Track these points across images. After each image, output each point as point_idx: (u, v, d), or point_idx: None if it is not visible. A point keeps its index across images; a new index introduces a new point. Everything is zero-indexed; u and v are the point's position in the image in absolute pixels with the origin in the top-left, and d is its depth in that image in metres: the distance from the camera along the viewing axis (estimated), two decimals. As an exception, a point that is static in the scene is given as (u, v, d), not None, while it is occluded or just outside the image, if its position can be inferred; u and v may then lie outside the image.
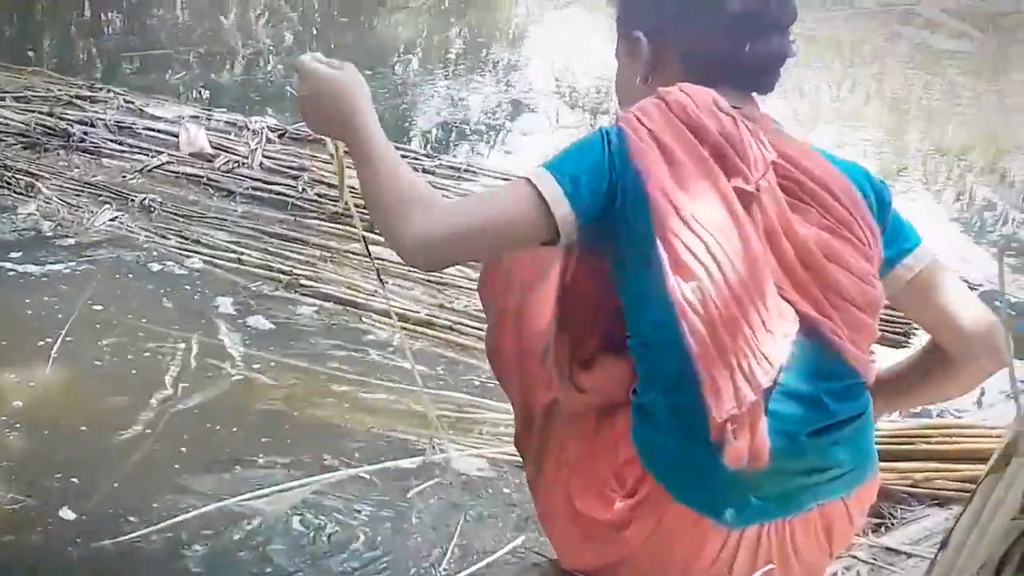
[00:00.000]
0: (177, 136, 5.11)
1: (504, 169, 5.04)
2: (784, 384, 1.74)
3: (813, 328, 1.77)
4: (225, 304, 3.73)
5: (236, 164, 4.87)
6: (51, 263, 3.92)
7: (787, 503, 1.82)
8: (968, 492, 1.67)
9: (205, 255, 4.05)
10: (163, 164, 4.88)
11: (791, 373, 1.74)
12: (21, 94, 5.56)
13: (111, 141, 5.08)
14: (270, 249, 4.14)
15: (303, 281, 3.89)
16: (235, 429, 3.05)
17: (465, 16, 8.80)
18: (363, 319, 3.70)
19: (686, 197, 1.70)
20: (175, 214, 4.40)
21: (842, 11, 9.08)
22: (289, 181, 4.70)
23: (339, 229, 4.34)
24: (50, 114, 5.27)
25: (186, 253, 4.05)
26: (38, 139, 5.03)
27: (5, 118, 5.22)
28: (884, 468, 2.09)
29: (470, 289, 3.70)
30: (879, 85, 7.35)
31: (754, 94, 1.89)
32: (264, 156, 4.94)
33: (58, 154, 4.95)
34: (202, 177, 4.77)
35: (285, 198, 4.57)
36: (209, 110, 5.64)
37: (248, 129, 5.21)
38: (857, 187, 1.86)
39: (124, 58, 6.82)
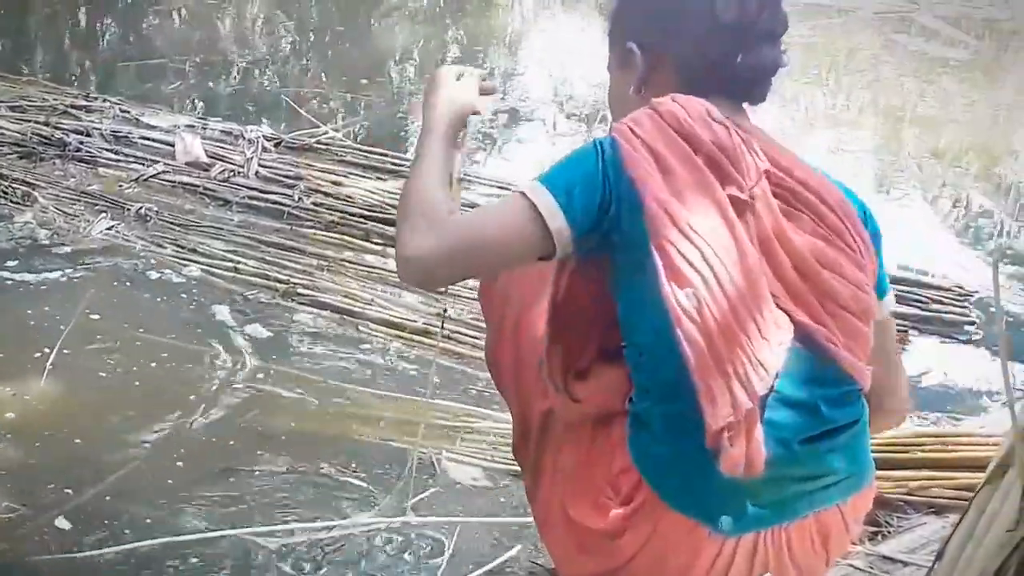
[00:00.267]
0: (173, 145, 5.11)
1: (500, 177, 5.04)
2: (779, 391, 1.74)
3: (808, 335, 1.77)
4: (222, 313, 3.73)
5: (232, 173, 4.87)
6: (47, 272, 3.92)
7: (783, 510, 1.82)
8: (964, 500, 1.68)
9: (202, 264, 4.05)
10: (159, 173, 4.88)
11: (787, 380, 1.74)
12: (17, 104, 5.55)
13: (107, 150, 5.08)
14: (267, 258, 4.14)
15: (300, 290, 3.89)
16: (231, 438, 3.04)
17: (461, 22, 8.81)
18: (359, 328, 3.70)
19: (681, 205, 1.70)
20: (171, 223, 4.39)
21: (838, 19, 9.09)
22: (285, 190, 4.70)
23: (335, 238, 4.34)
24: (46, 124, 5.26)
25: (183, 262, 4.05)
26: (34, 148, 5.03)
27: (1, 128, 5.21)
28: (880, 476, 2.09)
29: (467, 298, 3.70)
30: (874, 92, 7.36)
31: (745, 105, 1.90)
32: (260, 165, 4.94)
33: (54, 163, 4.95)
34: (198, 186, 4.76)
35: (281, 207, 4.57)
36: (205, 119, 5.64)
37: (244, 138, 5.21)
38: (850, 200, 1.87)
39: (120, 68, 6.81)
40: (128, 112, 5.58)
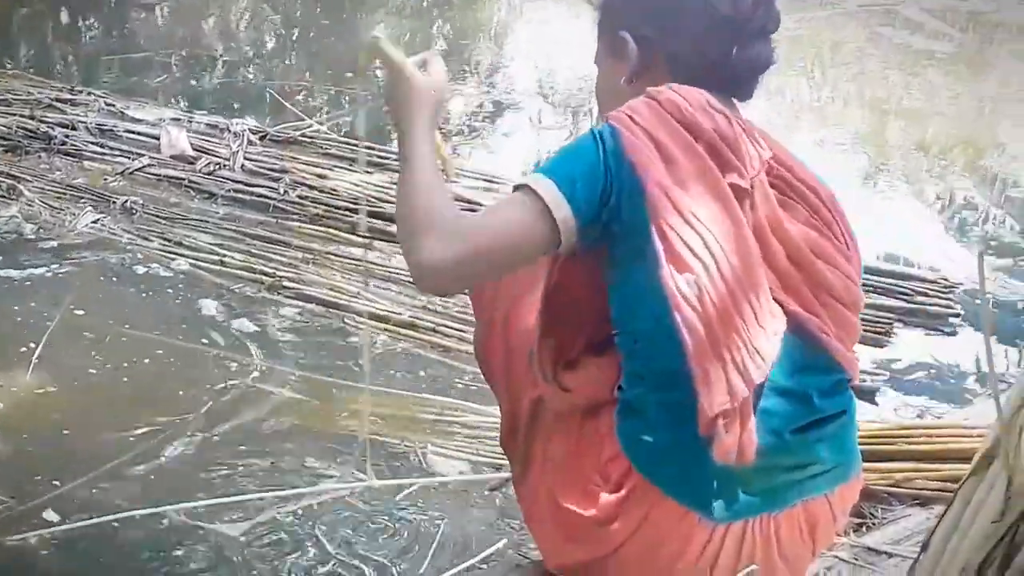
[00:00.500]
0: (158, 139, 5.10)
1: (485, 170, 5.03)
2: (772, 379, 1.75)
3: (800, 325, 1.78)
4: (209, 307, 3.72)
5: (217, 166, 4.86)
6: (33, 266, 3.91)
7: (773, 499, 1.83)
8: (949, 492, 1.68)
9: (187, 256, 4.04)
10: (144, 167, 4.86)
11: (778, 369, 1.76)
12: (2, 97, 5.52)
13: (92, 144, 5.07)
14: (252, 251, 4.13)
15: (285, 283, 3.88)
16: (216, 433, 3.04)
17: (447, 15, 8.79)
18: (345, 320, 3.69)
19: (682, 192, 1.70)
20: (157, 216, 4.38)
21: (823, 12, 9.09)
22: (270, 183, 4.69)
23: (321, 231, 4.34)
24: (31, 117, 5.25)
25: (169, 255, 4.04)
26: (19, 142, 5.01)
27: (-14, 121, 5.20)
28: (866, 468, 2.10)
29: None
30: (860, 85, 7.36)
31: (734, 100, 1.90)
32: (245, 158, 4.93)
33: (39, 157, 4.93)
34: (183, 179, 4.75)
35: (266, 200, 4.56)
36: (190, 112, 5.63)
37: (229, 131, 5.19)
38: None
39: (104, 62, 6.78)
40: (113, 106, 5.57)
